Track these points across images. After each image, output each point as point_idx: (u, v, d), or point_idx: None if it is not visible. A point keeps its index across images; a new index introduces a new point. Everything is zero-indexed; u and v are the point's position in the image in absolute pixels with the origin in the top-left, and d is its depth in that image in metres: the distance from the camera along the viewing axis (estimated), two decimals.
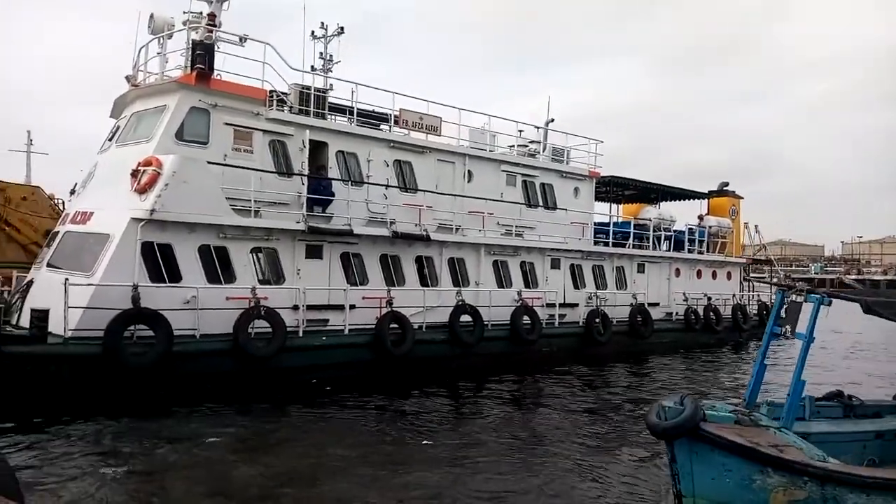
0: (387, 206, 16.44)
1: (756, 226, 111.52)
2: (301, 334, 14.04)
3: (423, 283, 17.04)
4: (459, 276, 17.93)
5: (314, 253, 15.16)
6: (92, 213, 13.26)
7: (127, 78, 14.98)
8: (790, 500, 6.16)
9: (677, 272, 24.83)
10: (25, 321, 12.15)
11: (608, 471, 9.03)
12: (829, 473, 6.13)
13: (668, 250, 24.85)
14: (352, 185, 15.94)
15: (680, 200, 28.42)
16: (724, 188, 28.98)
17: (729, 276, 27.42)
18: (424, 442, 10.32)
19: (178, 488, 7.96)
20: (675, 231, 25.48)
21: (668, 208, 27.30)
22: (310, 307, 14.42)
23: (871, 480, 6.17)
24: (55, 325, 11.46)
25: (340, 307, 14.86)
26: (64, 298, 11.36)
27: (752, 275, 51.64)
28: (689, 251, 25.55)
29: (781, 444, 6.47)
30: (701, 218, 27.22)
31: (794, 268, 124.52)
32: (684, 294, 24.16)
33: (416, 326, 15.53)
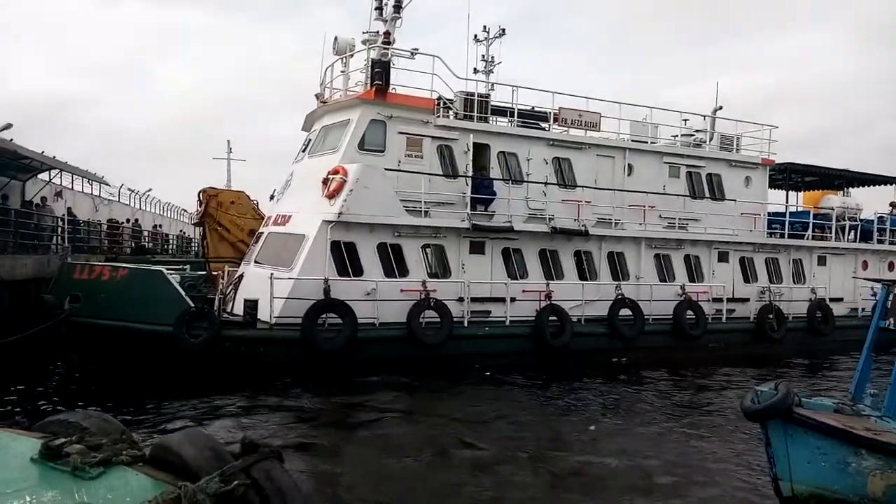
0: (546, 203, 17.03)
1: None
2: (466, 324, 15.12)
3: (582, 277, 17.43)
4: (619, 269, 18.08)
5: (477, 249, 16.18)
6: (290, 217, 15.32)
7: (316, 96, 16.98)
8: (888, 485, 6.13)
9: (864, 265, 22.80)
10: (238, 309, 14.42)
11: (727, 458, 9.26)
12: None
13: (854, 241, 22.90)
14: (512, 183, 16.74)
15: (869, 186, 25.89)
16: None
17: None
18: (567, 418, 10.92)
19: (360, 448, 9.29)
20: (861, 220, 23.39)
21: (856, 195, 25.08)
22: (473, 299, 15.45)
23: None
24: (263, 313, 13.54)
25: (502, 300, 15.73)
26: (270, 290, 13.36)
27: None
28: (879, 241, 23.32)
29: (878, 429, 6.41)
30: (893, 205, 24.64)
31: None
32: (872, 288, 22.11)
33: (574, 319, 16.04)
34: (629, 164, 18.64)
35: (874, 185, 25.85)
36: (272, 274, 13.58)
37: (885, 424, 6.70)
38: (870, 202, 25.04)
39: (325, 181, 14.48)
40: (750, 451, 9.42)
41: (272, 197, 17.82)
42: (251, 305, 13.51)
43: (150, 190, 38.53)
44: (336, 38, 16.18)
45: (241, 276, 15.84)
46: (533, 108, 18.67)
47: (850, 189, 25.72)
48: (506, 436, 10.03)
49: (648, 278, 18.26)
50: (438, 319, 14.32)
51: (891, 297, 7.60)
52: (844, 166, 24.06)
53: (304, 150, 17.02)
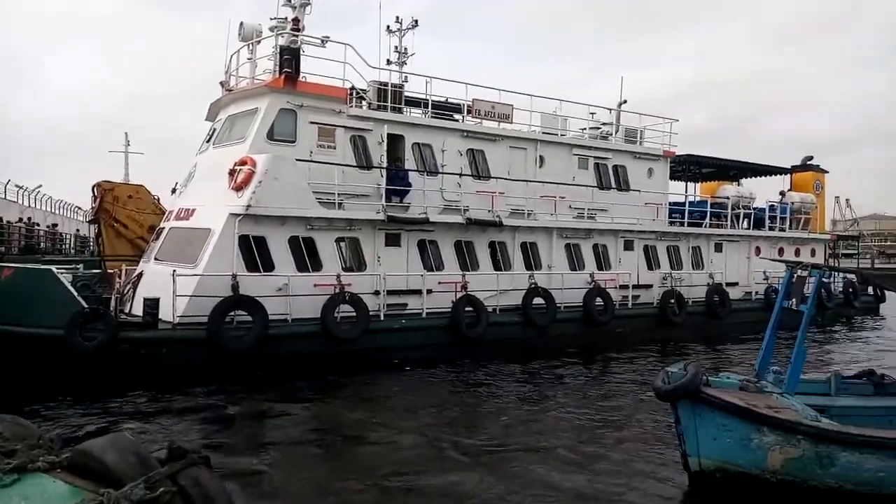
0: (460, 194, 17.07)
1: (847, 199, 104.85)
2: (382, 318, 14.94)
3: (497, 267, 17.61)
4: (532, 259, 18.39)
5: (393, 241, 16.01)
6: (194, 210, 14.57)
7: (221, 84, 16.19)
8: (786, 459, 6.56)
9: (757, 250, 24.34)
10: (137, 309, 13.58)
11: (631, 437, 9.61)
12: (821, 432, 6.49)
13: (748, 228, 24.40)
14: (427, 175, 16.66)
15: (761, 176, 27.71)
16: (808, 162, 27.95)
17: (813, 252, 26.55)
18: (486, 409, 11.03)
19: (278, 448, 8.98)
20: (754, 208, 24.94)
21: (749, 185, 26.71)
22: (390, 292, 15.27)
23: (863, 439, 6.48)
24: (165, 313, 12.80)
25: (418, 292, 15.66)
26: (172, 288, 12.62)
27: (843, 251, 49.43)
28: (770, 228, 24.96)
29: (779, 406, 6.86)
30: (783, 194, 26.42)
31: (889, 243, 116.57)
32: (764, 272, 23.66)
33: (490, 309, 16.17)
34: (541, 156, 19.00)
35: (765, 175, 27.71)
36: (175, 271, 12.85)
37: (784, 401, 7.13)
38: (761, 191, 26.83)
39: (232, 172, 13.84)
40: (658, 428, 9.79)
41: (174, 190, 16.91)
42: (152, 304, 12.72)
43: (40, 186, 35.91)
44: (242, 24, 15.48)
45: (140, 275, 14.93)
46: (447, 99, 18.66)
47: (744, 179, 27.40)
48: (422, 428, 9.95)
49: (560, 267, 18.71)
50: (354, 313, 14.05)
51: (794, 279, 8.00)
52: (741, 157, 25.65)
53: (208, 141, 16.23)
